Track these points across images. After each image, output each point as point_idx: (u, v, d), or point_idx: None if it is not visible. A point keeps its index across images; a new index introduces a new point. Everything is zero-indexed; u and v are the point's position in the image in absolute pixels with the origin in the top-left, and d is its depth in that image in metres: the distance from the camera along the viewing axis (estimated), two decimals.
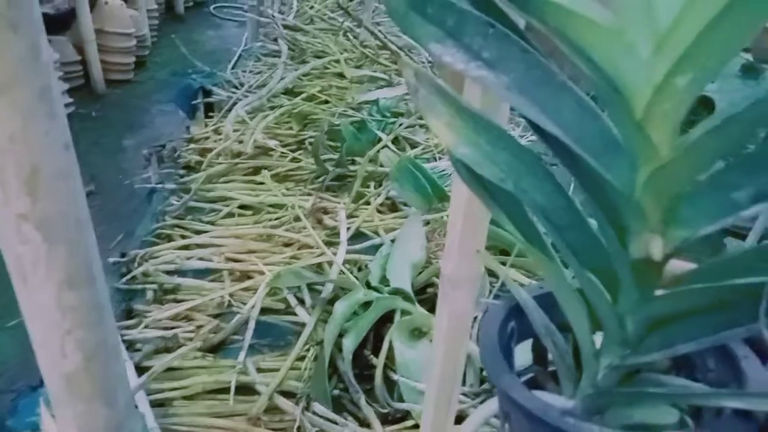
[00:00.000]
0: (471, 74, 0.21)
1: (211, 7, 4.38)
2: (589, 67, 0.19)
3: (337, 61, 1.73)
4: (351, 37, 1.95)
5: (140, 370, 0.74)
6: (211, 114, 1.60)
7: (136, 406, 0.67)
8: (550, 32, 0.18)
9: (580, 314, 0.23)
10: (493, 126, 0.22)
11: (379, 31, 1.89)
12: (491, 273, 0.88)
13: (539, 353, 0.28)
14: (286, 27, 2.00)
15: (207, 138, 1.38)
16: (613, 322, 0.22)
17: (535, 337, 0.27)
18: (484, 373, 0.72)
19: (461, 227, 0.44)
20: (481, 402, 0.71)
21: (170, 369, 0.75)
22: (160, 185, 1.20)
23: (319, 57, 1.78)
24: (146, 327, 0.82)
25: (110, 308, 0.48)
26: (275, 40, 1.96)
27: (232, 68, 1.85)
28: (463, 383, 0.73)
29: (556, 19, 0.18)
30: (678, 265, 0.21)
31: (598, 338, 0.23)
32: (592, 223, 0.22)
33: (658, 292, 0.21)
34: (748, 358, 0.22)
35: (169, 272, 0.93)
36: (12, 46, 0.35)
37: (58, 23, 2.32)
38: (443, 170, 1.16)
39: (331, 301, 0.82)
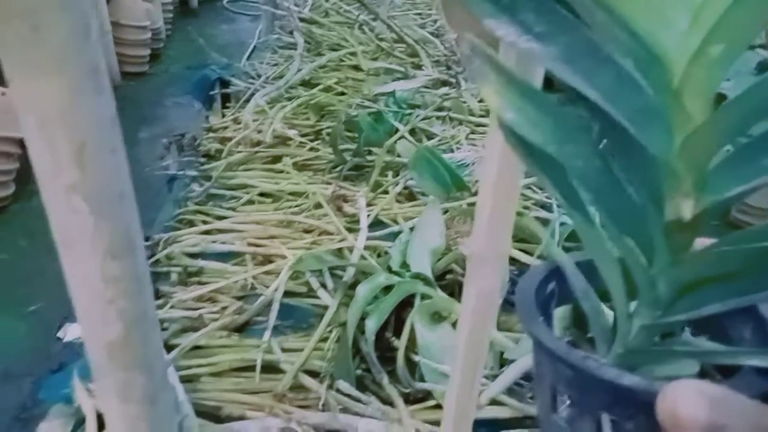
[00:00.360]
0: (521, 46, 0.22)
1: (225, 1, 4.41)
2: (630, 37, 0.21)
3: (354, 54, 1.74)
4: (367, 30, 1.96)
5: (168, 347, 0.76)
6: (227, 105, 1.62)
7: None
8: (595, 5, 0.19)
9: (616, 278, 0.24)
10: (539, 93, 0.24)
11: (395, 24, 1.90)
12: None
13: (578, 318, 0.28)
14: (301, 20, 2.01)
15: (226, 127, 1.39)
16: (646, 284, 0.23)
17: (576, 302, 0.27)
18: (504, 355, 0.73)
19: (490, 204, 0.45)
20: None
21: (197, 347, 0.77)
22: (181, 172, 1.22)
23: (335, 49, 1.80)
24: (172, 307, 0.84)
25: (149, 280, 0.50)
26: (291, 32, 1.97)
27: (247, 60, 1.87)
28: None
29: None
30: (702, 242, 0.22)
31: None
32: (629, 189, 0.24)
33: (688, 256, 0.22)
34: None
35: (192, 255, 0.95)
36: (64, 25, 0.37)
37: None
38: (460, 160, 1.17)
39: (352, 286, 0.84)
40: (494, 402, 0.71)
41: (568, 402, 0.23)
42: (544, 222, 0.98)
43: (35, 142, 0.40)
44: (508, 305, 0.84)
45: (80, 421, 0.67)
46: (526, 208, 1.10)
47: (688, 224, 0.20)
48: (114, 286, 0.46)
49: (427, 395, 0.72)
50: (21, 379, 1.72)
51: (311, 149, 1.27)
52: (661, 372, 0.23)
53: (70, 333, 1.91)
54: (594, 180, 0.23)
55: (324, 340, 0.77)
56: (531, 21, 0.21)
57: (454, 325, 0.77)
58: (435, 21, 2.21)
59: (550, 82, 0.28)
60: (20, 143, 2.08)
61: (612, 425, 0.22)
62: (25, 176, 2.23)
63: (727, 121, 0.20)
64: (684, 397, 0.18)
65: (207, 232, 1.01)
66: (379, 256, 0.93)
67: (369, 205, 1.07)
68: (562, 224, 0.92)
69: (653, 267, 0.22)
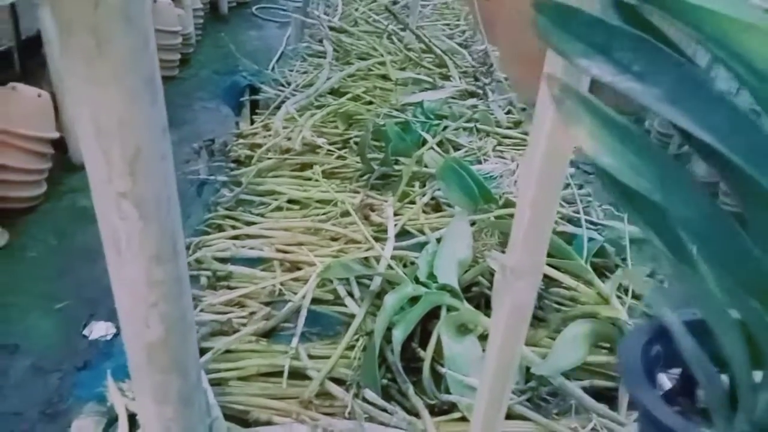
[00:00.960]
0: (619, 86, 0.21)
1: (254, 8, 4.48)
2: (748, 71, 0.19)
3: (382, 63, 1.75)
4: (395, 40, 1.97)
5: (200, 352, 0.78)
6: (257, 111, 1.64)
7: None
8: (705, 40, 0.19)
9: (736, 343, 0.21)
10: (639, 136, 0.22)
11: (424, 34, 1.91)
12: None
13: (687, 385, 0.26)
14: (331, 29, 2.04)
15: (256, 134, 1.42)
16: None
17: (684, 366, 0.25)
18: (532, 370, 0.73)
19: (529, 216, 0.46)
20: (527, 400, 0.72)
21: (226, 351, 0.79)
22: (211, 177, 1.24)
23: (363, 59, 1.81)
24: (201, 311, 0.85)
25: (188, 283, 0.52)
26: (320, 41, 2.00)
27: (276, 66, 1.89)
28: None
29: (712, 26, 0.19)
30: None
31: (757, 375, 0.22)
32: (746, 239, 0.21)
33: None
34: None
35: (221, 260, 0.97)
36: (127, 39, 0.39)
37: None
38: (488, 173, 1.17)
39: (379, 295, 0.84)
40: (519, 416, 0.71)
41: None
42: (572, 237, 0.98)
43: (92, 150, 0.42)
44: (534, 319, 0.84)
45: (112, 420, 0.69)
46: (555, 223, 1.09)
47: None
48: (157, 289, 0.48)
49: (452, 407, 0.72)
50: (49, 375, 1.76)
51: (339, 158, 1.29)
52: None
53: (95, 331, 1.94)
54: (706, 231, 0.21)
55: (350, 348, 0.78)
56: (628, 60, 0.21)
57: (480, 338, 0.77)
58: (463, 32, 2.22)
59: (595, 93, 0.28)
60: (53, 143, 2.14)
61: None
62: (56, 176, 2.29)
63: None
64: None
65: (236, 237, 1.02)
66: (405, 266, 0.93)
67: (396, 214, 1.07)
68: (590, 240, 0.92)
69: None
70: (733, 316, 0.20)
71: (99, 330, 1.88)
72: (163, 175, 0.45)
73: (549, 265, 0.89)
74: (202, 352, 0.77)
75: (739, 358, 0.21)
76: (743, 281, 0.20)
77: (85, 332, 1.82)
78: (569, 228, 1.03)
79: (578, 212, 1.07)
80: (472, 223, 0.99)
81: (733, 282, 0.20)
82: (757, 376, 0.21)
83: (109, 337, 1.80)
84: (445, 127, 1.33)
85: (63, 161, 2.27)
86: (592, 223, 1.06)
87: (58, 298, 1.87)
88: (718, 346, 0.21)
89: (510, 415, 0.71)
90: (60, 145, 2.18)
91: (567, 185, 1.17)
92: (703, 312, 0.22)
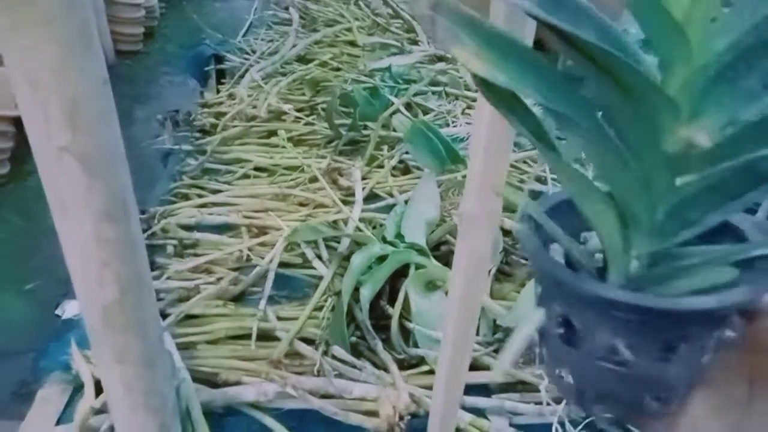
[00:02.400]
0: None
1: None
2: None
3: (349, 29, 1.73)
4: (363, 6, 1.94)
5: (164, 317, 0.77)
6: (222, 81, 1.61)
7: None
8: None
9: (607, 213, 0.24)
10: (520, 48, 0.23)
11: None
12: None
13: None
14: None
15: (221, 103, 1.39)
16: (645, 213, 0.23)
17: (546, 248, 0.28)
18: (498, 322, 0.74)
19: (481, 166, 0.46)
20: (495, 351, 0.74)
21: (193, 316, 0.78)
22: (176, 147, 1.21)
23: (330, 25, 1.78)
24: (168, 278, 0.84)
25: (143, 243, 0.51)
26: (286, 8, 1.95)
27: (243, 36, 1.85)
28: (477, 333, 0.76)
29: None
30: None
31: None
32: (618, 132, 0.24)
33: (682, 179, 0.22)
34: (745, 221, 0.24)
35: (187, 228, 0.95)
36: None
37: None
38: (456, 135, 1.17)
39: (347, 257, 0.84)
40: (486, 367, 0.72)
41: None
42: (539, 195, 0.99)
43: (27, 104, 0.41)
44: (501, 274, 0.85)
45: (78, 387, 0.69)
46: (521, 181, 1.10)
47: (691, 150, 0.21)
48: (109, 248, 0.47)
49: (421, 361, 0.73)
50: (21, 356, 1.74)
51: (307, 124, 1.27)
52: (683, 286, 0.23)
53: (68, 310, 1.92)
54: (583, 129, 0.24)
55: (319, 309, 0.78)
56: None
57: (447, 293, 0.78)
58: None
59: (539, 46, 0.29)
60: (15, 121, 2.07)
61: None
62: (20, 156, 2.23)
63: (731, 54, 0.20)
64: None
65: (202, 206, 1.01)
66: (374, 228, 0.93)
67: (364, 178, 1.07)
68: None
69: (651, 195, 0.22)
70: (602, 190, 0.23)
71: (72, 309, 1.85)
72: (106, 129, 0.43)
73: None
74: (168, 318, 0.76)
75: (609, 223, 0.23)
76: (614, 164, 0.22)
77: (58, 311, 1.80)
78: (537, 186, 1.04)
79: (545, 171, 1.07)
80: (441, 184, 0.99)
81: (606, 164, 0.23)
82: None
83: (82, 316, 1.78)
84: (407, 90, 1.31)
85: (26, 140, 2.20)
86: (558, 180, 1.07)
87: (28, 278, 1.83)
88: (578, 222, 0.25)
89: (478, 366, 0.72)
90: (22, 124, 2.11)
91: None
92: (574, 194, 0.24)
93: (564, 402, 0.66)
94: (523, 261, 0.88)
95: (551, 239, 0.27)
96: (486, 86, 0.24)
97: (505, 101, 0.24)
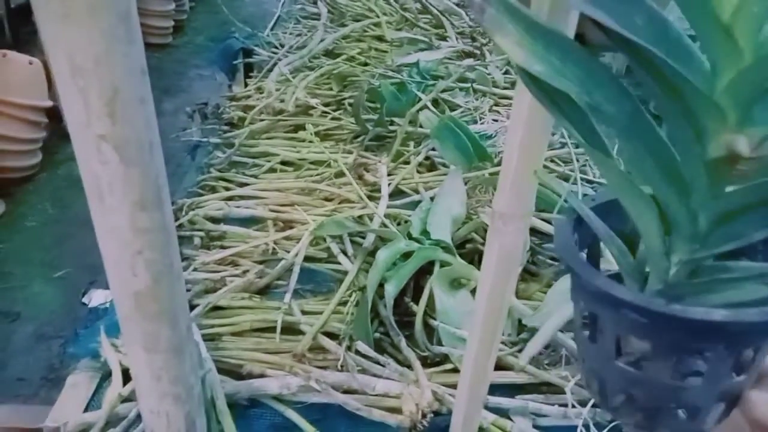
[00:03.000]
0: None
1: None
2: None
3: (377, 24, 1.72)
4: (391, 1, 1.93)
5: (190, 308, 0.78)
6: (251, 75, 1.62)
7: None
8: None
9: (649, 215, 0.24)
10: (564, 41, 0.23)
11: None
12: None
13: (593, 261, 0.28)
14: None
15: (249, 96, 1.40)
16: (685, 219, 0.23)
17: (589, 245, 0.27)
18: (523, 322, 0.73)
19: (516, 162, 0.45)
20: (519, 351, 0.73)
21: (219, 308, 0.79)
22: (204, 140, 1.23)
23: (358, 20, 1.78)
24: (195, 270, 0.85)
25: (175, 233, 0.51)
26: (315, 2, 1.96)
27: (271, 30, 1.86)
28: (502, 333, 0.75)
29: None
30: None
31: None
32: (661, 131, 0.23)
33: (728, 188, 0.22)
34: None
35: (215, 221, 0.96)
36: None
37: None
38: (484, 132, 1.16)
39: (372, 253, 0.84)
40: (510, 367, 0.71)
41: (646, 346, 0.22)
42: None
43: (68, 91, 0.41)
44: (527, 274, 0.85)
45: (107, 375, 0.70)
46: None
47: (735, 158, 0.20)
48: (143, 237, 0.48)
49: (444, 359, 0.73)
50: (50, 341, 1.77)
51: (333, 119, 1.27)
52: (718, 299, 0.22)
53: (95, 299, 1.96)
54: (625, 125, 0.23)
55: (343, 303, 0.78)
56: None
57: (473, 292, 0.77)
58: None
59: (581, 39, 0.28)
60: (47, 112, 2.11)
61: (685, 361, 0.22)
62: (51, 146, 2.28)
63: None
64: None
65: (229, 199, 1.02)
66: (399, 224, 0.93)
67: (390, 174, 1.07)
68: (585, 196, 0.91)
69: (692, 201, 0.22)
70: (646, 192, 0.22)
71: (98, 297, 1.89)
72: (143, 118, 0.44)
73: (544, 220, 0.88)
74: (195, 309, 0.77)
75: (651, 227, 0.23)
76: (655, 163, 0.22)
77: (85, 300, 1.84)
78: (565, 185, 1.02)
79: (574, 170, 1.06)
80: (467, 181, 0.98)
81: (648, 165, 0.22)
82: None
83: (107, 305, 1.82)
84: (435, 86, 1.31)
85: (58, 130, 2.25)
86: (587, 181, 1.05)
87: (58, 266, 1.88)
88: (621, 224, 0.24)
89: (503, 366, 0.72)
90: (54, 114, 2.16)
91: (564, 144, 1.16)
92: (619, 193, 0.24)
93: (589, 404, 0.65)
94: (550, 261, 0.87)
95: (589, 239, 0.27)
96: (529, 77, 0.23)
97: (549, 94, 0.24)
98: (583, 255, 0.28)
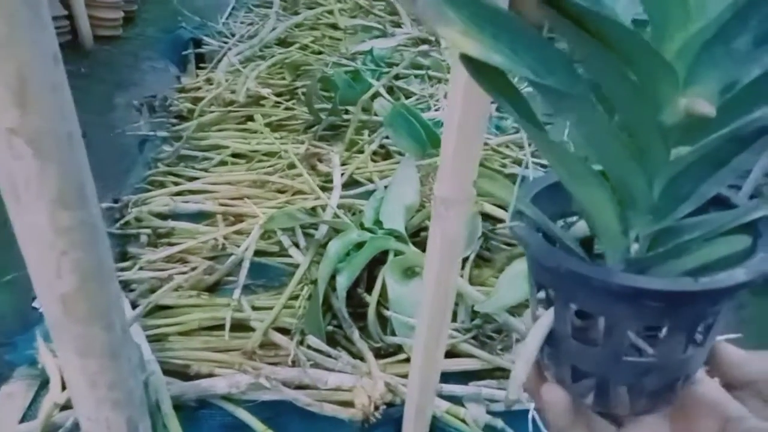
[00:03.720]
0: None
1: None
2: None
3: (331, 12, 1.69)
4: None
5: (135, 307, 0.75)
6: (202, 65, 1.57)
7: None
8: None
9: (602, 195, 0.22)
10: (513, 24, 0.21)
11: None
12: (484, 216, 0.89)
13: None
14: None
15: (199, 88, 1.36)
16: (642, 191, 0.22)
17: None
18: (476, 308, 0.73)
19: (454, 147, 0.44)
20: (473, 338, 0.72)
21: (166, 307, 0.76)
22: (152, 133, 1.18)
23: (311, 8, 1.75)
24: (141, 269, 0.82)
25: (104, 231, 0.48)
26: None
27: (225, 20, 1.81)
28: (455, 320, 0.74)
29: None
30: None
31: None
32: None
33: (678, 151, 0.21)
34: (735, 196, 0.23)
35: (162, 217, 0.93)
36: None
37: None
38: (438, 118, 1.15)
39: (325, 245, 0.82)
40: (464, 354, 0.71)
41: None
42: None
43: None
44: (480, 260, 0.84)
45: (45, 383, 0.66)
46: (503, 166, 1.09)
47: (689, 120, 0.19)
48: (66, 236, 0.45)
49: (398, 349, 0.72)
50: (1, 348, 1.70)
51: (286, 109, 1.25)
52: (692, 263, 0.22)
53: None
54: (576, 105, 0.22)
55: (295, 298, 0.76)
56: None
57: None
58: None
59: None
60: None
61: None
62: None
63: (730, 18, 0.18)
64: None
65: (178, 194, 0.98)
66: (354, 214, 0.91)
67: (344, 164, 1.05)
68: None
69: (647, 171, 0.21)
70: (595, 169, 0.21)
71: None
72: (57, 108, 0.41)
73: (496, 205, 0.88)
74: (137, 309, 0.74)
75: (605, 206, 0.22)
76: (610, 142, 0.21)
77: (35, 304, 1.77)
78: (517, 170, 1.03)
79: (527, 155, 1.06)
80: (420, 169, 0.97)
81: (602, 144, 0.21)
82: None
83: None
84: (389, 73, 1.29)
85: None
86: (541, 165, 1.06)
87: (5, 270, 1.80)
88: (567, 206, 0.23)
89: (456, 353, 0.71)
90: None
91: (517, 129, 1.16)
92: (566, 177, 0.23)
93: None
94: (503, 246, 0.87)
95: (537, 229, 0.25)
96: (475, 67, 0.22)
97: (495, 82, 0.23)
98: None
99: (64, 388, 0.63)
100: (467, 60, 0.22)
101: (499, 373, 0.69)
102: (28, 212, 0.43)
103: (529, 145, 1.08)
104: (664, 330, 0.21)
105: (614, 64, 0.20)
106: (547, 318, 0.23)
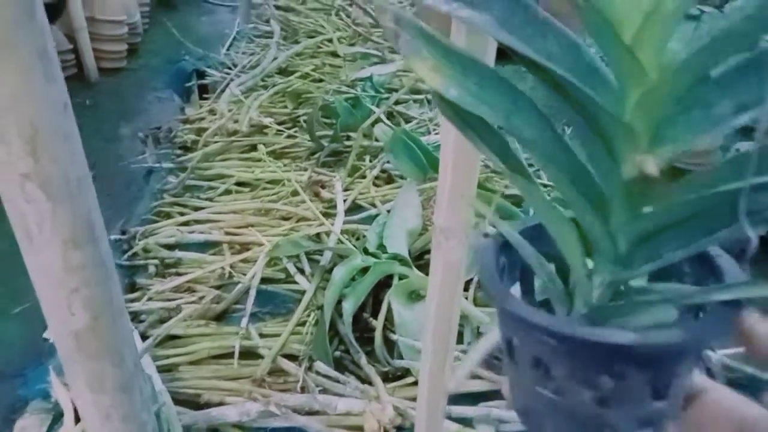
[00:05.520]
0: (457, 14, 0.21)
1: None
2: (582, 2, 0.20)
3: (330, 40, 1.73)
4: (343, 16, 1.94)
5: (145, 338, 0.76)
6: (205, 96, 1.61)
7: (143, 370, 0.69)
8: None
9: (570, 238, 0.23)
10: (481, 66, 0.23)
11: (371, 8, 1.89)
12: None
13: (526, 285, 0.28)
14: (278, 8, 1.99)
15: (203, 118, 1.38)
16: (605, 241, 0.22)
17: (522, 270, 0.28)
18: (481, 330, 0.74)
19: (451, 178, 0.46)
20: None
21: (175, 337, 0.77)
22: (157, 165, 1.21)
23: (311, 36, 1.78)
24: (149, 299, 0.84)
25: (114, 268, 0.50)
26: (267, 21, 1.96)
27: (226, 51, 1.85)
28: (461, 341, 0.75)
29: None
30: None
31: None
32: (580, 153, 0.23)
33: (646, 209, 0.22)
34: (722, 257, 0.23)
35: (169, 247, 0.95)
36: (6, 6, 0.37)
37: (49, 11, 2.30)
38: (438, 142, 1.17)
39: (330, 270, 0.84)
40: (472, 375, 0.71)
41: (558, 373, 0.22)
42: (521, 200, 0.99)
43: None
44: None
45: (58, 416, 0.67)
46: (505, 187, 1.10)
47: (649, 179, 0.20)
48: (77, 274, 0.46)
49: (406, 373, 0.73)
50: (11, 380, 1.71)
51: (289, 137, 1.27)
52: (638, 322, 0.22)
53: None
54: (543, 148, 0.23)
55: (302, 324, 0.77)
56: None
57: None
58: (412, 4, 2.19)
59: (505, 55, 0.28)
60: None
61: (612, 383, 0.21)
62: None
63: (684, 77, 0.19)
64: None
65: (185, 224, 1.00)
66: (357, 239, 0.93)
67: (346, 190, 1.06)
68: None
69: (611, 224, 0.22)
70: (567, 215, 0.22)
71: None
72: (68, 154, 0.43)
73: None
74: (148, 340, 0.75)
75: (574, 250, 0.23)
76: (573, 185, 0.21)
77: (46, 335, 1.78)
78: (516, 192, 1.04)
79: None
80: (422, 193, 0.99)
81: (569, 189, 0.21)
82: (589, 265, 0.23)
83: None
84: (389, 99, 1.31)
85: None
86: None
87: (17, 301, 1.81)
88: (551, 246, 0.23)
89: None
90: None
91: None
92: (541, 216, 0.23)
93: None
94: None
95: (521, 263, 0.26)
96: (445, 102, 0.23)
97: (467, 120, 0.24)
98: (515, 278, 0.28)
99: (77, 420, 0.64)
100: (439, 98, 0.23)
101: None
102: (41, 252, 0.45)
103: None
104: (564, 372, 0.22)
105: (577, 116, 0.21)
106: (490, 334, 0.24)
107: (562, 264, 0.24)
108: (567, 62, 0.21)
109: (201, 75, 1.67)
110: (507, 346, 0.23)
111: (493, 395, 0.71)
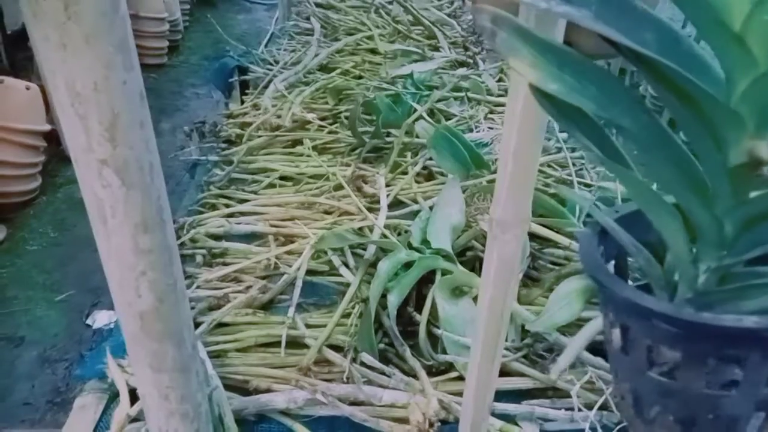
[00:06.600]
0: (556, 10, 0.22)
1: None
2: None
3: (370, 37, 1.74)
4: (383, 14, 1.95)
5: (195, 325, 0.78)
6: (247, 92, 1.63)
7: None
8: None
9: (674, 225, 0.23)
10: (577, 59, 0.23)
11: (412, 6, 1.89)
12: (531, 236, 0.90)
13: (621, 273, 0.28)
14: (318, 5, 2.01)
15: (246, 113, 1.41)
16: (711, 227, 0.22)
17: (616, 257, 0.28)
18: (527, 327, 0.73)
19: (511, 170, 0.46)
20: (524, 356, 0.73)
21: (223, 325, 0.79)
22: (203, 158, 1.24)
23: (351, 34, 1.80)
24: (198, 287, 0.86)
25: (178, 253, 0.52)
26: (308, 18, 1.98)
27: (265, 47, 1.88)
28: (505, 339, 0.75)
29: None
30: None
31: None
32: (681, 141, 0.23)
33: (753, 194, 0.22)
34: None
35: (216, 237, 0.97)
36: (95, 0, 0.38)
37: None
38: (480, 139, 1.17)
39: (373, 264, 0.85)
40: (516, 373, 0.72)
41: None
42: (565, 198, 0.98)
43: (68, 118, 0.42)
44: (528, 279, 0.85)
45: (114, 396, 0.70)
46: (546, 185, 1.09)
47: (756, 164, 0.20)
48: (145, 258, 0.48)
49: (449, 367, 0.73)
50: (55, 364, 1.77)
51: (330, 132, 1.28)
52: (744, 307, 0.22)
53: (98, 320, 1.96)
54: (643, 137, 0.23)
55: (347, 315, 0.78)
56: None
57: (474, 299, 0.78)
58: (452, 2, 2.19)
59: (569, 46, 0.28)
60: (45, 136, 2.13)
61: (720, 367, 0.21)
62: (51, 170, 2.29)
63: None
64: None
65: (230, 216, 1.02)
66: (399, 234, 0.93)
67: (388, 185, 1.07)
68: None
69: (717, 209, 0.22)
70: (669, 202, 0.22)
71: (102, 319, 1.89)
72: (143, 141, 0.44)
73: (543, 225, 0.89)
74: (199, 326, 0.77)
75: (677, 235, 0.23)
76: (676, 173, 0.22)
77: (89, 321, 1.84)
78: (562, 190, 1.03)
79: (571, 175, 1.06)
80: (465, 190, 0.99)
81: (669, 175, 0.22)
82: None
83: (112, 326, 1.82)
84: (430, 96, 1.32)
85: (57, 153, 2.26)
86: (585, 185, 1.06)
87: (61, 289, 1.88)
88: (645, 234, 0.24)
89: (508, 372, 0.72)
90: (53, 138, 2.17)
91: (560, 149, 1.17)
92: (642, 204, 0.23)
93: (596, 407, 0.65)
94: (551, 266, 0.88)
95: (615, 251, 0.26)
96: (543, 96, 0.24)
97: (565, 112, 0.24)
98: (610, 267, 0.28)
99: (132, 401, 0.67)
100: (538, 92, 0.24)
101: (552, 392, 0.69)
102: (114, 235, 0.47)
103: (574, 164, 1.09)
104: (683, 359, 0.22)
105: (680, 104, 0.21)
106: (596, 321, 0.24)
107: (657, 251, 0.24)
108: (664, 50, 0.21)
109: (243, 71, 1.69)
110: (617, 332, 0.24)
111: (536, 393, 0.70)
